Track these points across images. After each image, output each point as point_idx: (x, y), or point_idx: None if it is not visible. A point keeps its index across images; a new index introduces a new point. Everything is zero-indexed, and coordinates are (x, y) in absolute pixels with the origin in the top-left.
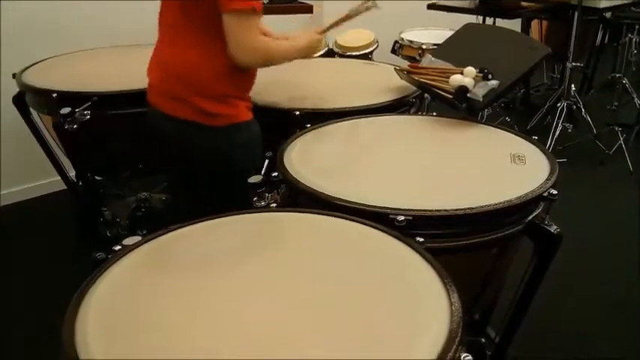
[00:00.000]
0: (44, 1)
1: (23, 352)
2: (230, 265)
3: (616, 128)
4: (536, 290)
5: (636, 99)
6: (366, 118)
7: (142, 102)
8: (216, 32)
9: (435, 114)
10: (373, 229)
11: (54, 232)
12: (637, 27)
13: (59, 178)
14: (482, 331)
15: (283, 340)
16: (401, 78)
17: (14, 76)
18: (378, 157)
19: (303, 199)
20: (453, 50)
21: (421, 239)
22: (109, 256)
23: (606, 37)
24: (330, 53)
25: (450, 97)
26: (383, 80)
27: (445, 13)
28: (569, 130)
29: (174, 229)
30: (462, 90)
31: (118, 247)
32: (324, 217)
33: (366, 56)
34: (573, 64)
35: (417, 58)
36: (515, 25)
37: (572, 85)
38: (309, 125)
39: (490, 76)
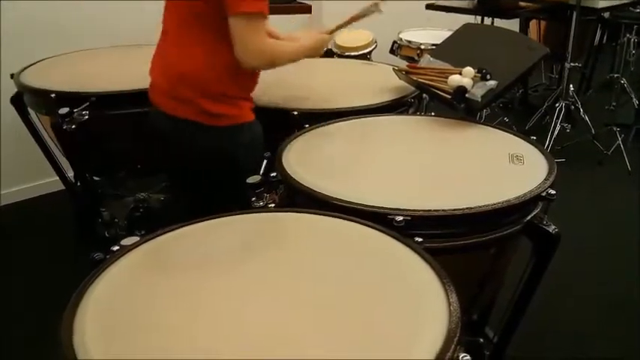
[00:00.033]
0: (44, 1)
1: (23, 352)
2: (229, 265)
3: (614, 128)
4: (535, 290)
5: (634, 99)
6: (365, 118)
7: (140, 102)
8: (222, 33)
9: (433, 114)
10: (372, 229)
11: (54, 231)
12: (635, 27)
13: (58, 178)
14: (480, 331)
15: (283, 340)
16: (399, 78)
17: (12, 76)
18: (377, 157)
19: (301, 199)
20: (452, 50)
21: (420, 239)
22: (107, 256)
23: (604, 37)
24: (328, 53)
25: (449, 97)
26: (381, 80)
27: (443, 13)
28: (568, 130)
29: (173, 230)
30: (461, 90)
31: (115, 248)
32: (323, 217)
33: (365, 56)
34: (571, 64)
35: (416, 58)
36: (513, 25)
37: (571, 85)
38: (307, 125)
39: (488, 77)
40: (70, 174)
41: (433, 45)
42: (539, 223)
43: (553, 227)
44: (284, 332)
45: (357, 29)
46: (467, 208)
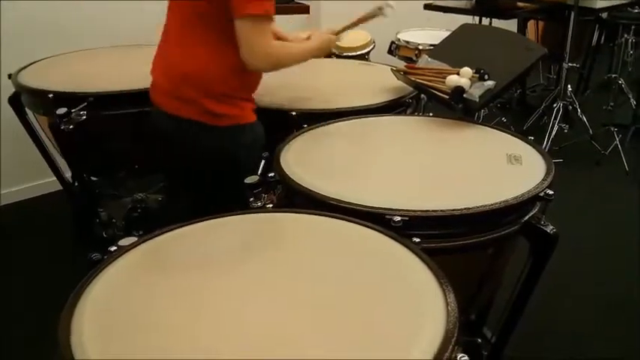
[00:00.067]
0: (44, 1)
1: (23, 352)
2: (228, 265)
3: (612, 129)
4: (533, 290)
5: (632, 99)
6: (363, 118)
7: (138, 102)
8: (226, 33)
9: (431, 114)
10: (370, 229)
11: (54, 231)
12: (633, 27)
13: (56, 178)
14: (478, 331)
15: (283, 340)
16: (397, 78)
17: (10, 76)
18: (375, 157)
19: (299, 199)
20: (450, 51)
21: (418, 239)
22: (105, 256)
23: (602, 38)
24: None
25: (447, 97)
26: (379, 81)
27: (441, 13)
28: (566, 131)
29: (171, 230)
30: (459, 90)
31: (113, 248)
32: (321, 217)
33: (363, 57)
34: (569, 64)
35: (414, 58)
36: (511, 25)
37: (569, 86)
38: (305, 125)
39: (486, 77)
40: (68, 174)
41: (431, 45)
42: (537, 223)
43: (551, 227)
44: (283, 332)
45: (355, 30)
46: (465, 209)
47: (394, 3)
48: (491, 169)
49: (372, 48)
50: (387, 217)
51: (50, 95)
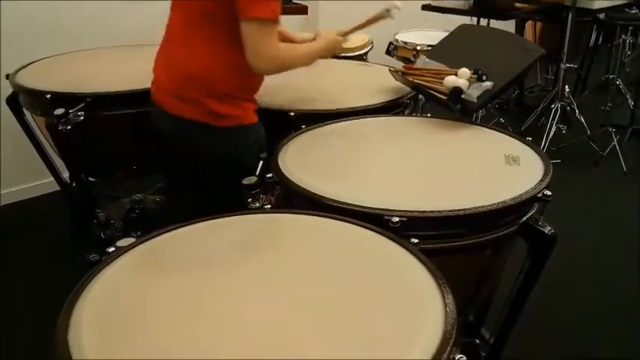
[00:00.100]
0: (44, 1)
1: (23, 352)
2: (227, 266)
3: (610, 129)
4: (531, 291)
5: (630, 100)
6: (361, 119)
7: (136, 103)
8: (232, 33)
9: (429, 115)
10: (368, 230)
11: (54, 231)
12: (631, 28)
13: (53, 178)
14: (476, 332)
15: (283, 340)
16: (395, 79)
17: (7, 76)
18: (373, 158)
19: (297, 200)
20: (448, 51)
21: (416, 240)
22: (103, 257)
23: (600, 38)
24: None
25: (445, 98)
26: (377, 81)
27: (439, 14)
28: (563, 131)
29: (169, 231)
30: (457, 91)
31: (111, 249)
32: (319, 218)
33: (361, 57)
34: (567, 65)
35: (412, 59)
36: (509, 26)
37: (566, 86)
38: (303, 126)
39: (484, 78)
40: (66, 175)
41: (429, 46)
42: (535, 224)
43: (549, 228)
44: (283, 332)
45: None
46: (463, 209)
47: (400, 3)
48: (489, 169)
49: (370, 48)
50: (385, 217)
51: (48, 96)
